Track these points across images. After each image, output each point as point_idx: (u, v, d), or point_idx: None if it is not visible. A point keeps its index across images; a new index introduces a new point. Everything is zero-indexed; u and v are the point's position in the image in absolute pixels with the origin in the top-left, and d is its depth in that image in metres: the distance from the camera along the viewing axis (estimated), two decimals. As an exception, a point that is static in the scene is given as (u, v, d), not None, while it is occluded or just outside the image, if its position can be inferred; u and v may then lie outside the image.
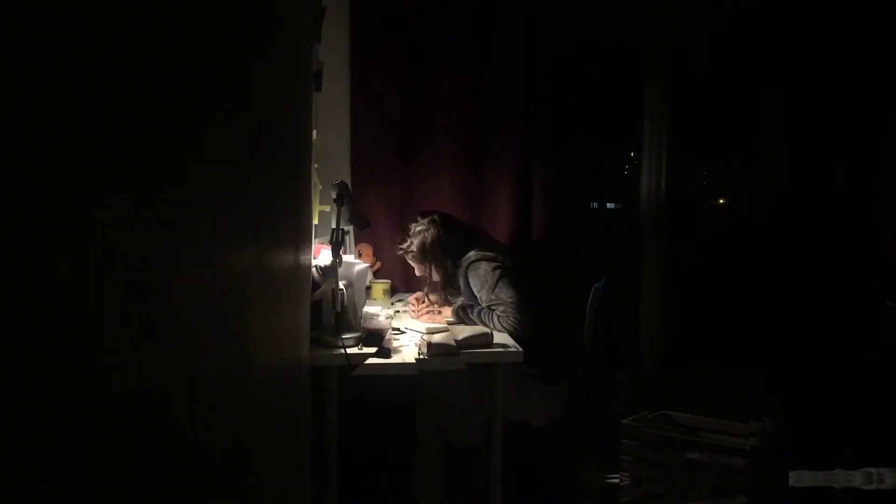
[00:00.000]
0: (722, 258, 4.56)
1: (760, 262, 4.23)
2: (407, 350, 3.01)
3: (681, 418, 2.51)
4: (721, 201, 5.05)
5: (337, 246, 2.88)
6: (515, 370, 3.03)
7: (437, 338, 2.95)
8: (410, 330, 3.29)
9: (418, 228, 3.42)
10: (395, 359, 2.91)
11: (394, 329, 3.17)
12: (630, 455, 2.33)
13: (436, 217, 3.44)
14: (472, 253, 3.34)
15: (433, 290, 3.55)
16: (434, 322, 3.38)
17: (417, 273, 3.56)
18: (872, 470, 2.57)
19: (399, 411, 3.50)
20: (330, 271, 2.88)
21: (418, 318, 3.44)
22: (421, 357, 2.88)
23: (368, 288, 3.46)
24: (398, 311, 3.52)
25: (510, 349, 2.98)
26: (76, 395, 0.56)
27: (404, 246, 3.47)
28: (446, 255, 3.40)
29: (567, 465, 3.40)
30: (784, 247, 4.14)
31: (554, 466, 3.46)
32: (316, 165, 3.17)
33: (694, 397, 3.93)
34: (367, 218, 3.28)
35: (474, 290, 3.29)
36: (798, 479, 2.42)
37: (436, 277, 3.47)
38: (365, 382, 3.04)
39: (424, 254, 3.41)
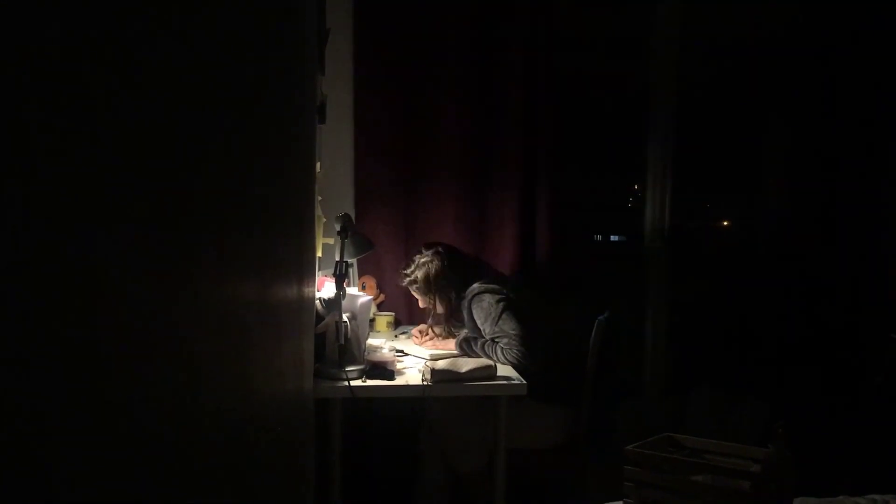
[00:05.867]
0: (725, 284, 4.57)
1: (764, 289, 4.23)
2: (410, 373, 3.02)
3: (685, 440, 2.49)
4: (725, 223, 5.06)
5: (341, 278, 2.88)
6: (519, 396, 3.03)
7: (440, 364, 2.95)
8: (414, 356, 3.30)
9: (422, 260, 3.44)
10: (398, 381, 2.91)
11: (397, 350, 3.17)
12: (633, 481, 2.30)
13: (440, 249, 3.45)
14: (475, 285, 3.35)
15: (437, 323, 3.55)
16: (438, 349, 3.39)
17: (421, 305, 3.57)
18: (877, 496, 2.54)
19: (402, 436, 3.50)
20: (333, 304, 2.88)
21: (421, 345, 3.46)
22: (425, 383, 2.88)
23: (372, 320, 3.46)
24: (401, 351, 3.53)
25: (514, 381, 2.97)
26: (76, 428, 0.56)
27: (409, 275, 3.47)
28: (450, 286, 3.41)
29: (570, 492, 3.38)
30: (787, 274, 4.15)
31: (557, 492, 3.44)
32: (319, 198, 3.19)
33: (697, 420, 3.91)
34: (369, 240, 3.30)
35: (478, 322, 3.29)
36: (802, 506, 2.40)
37: (440, 309, 3.48)
38: (368, 405, 3.04)
39: (429, 285, 3.42)
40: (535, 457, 3.29)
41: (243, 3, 1.15)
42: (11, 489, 0.47)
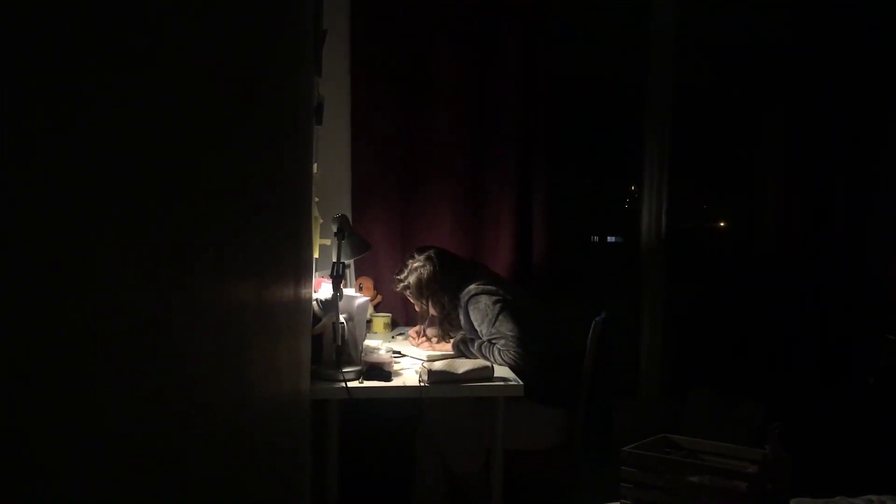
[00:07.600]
0: (722, 285, 4.58)
1: (760, 290, 4.24)
2: (407, 374, 3.01)
3: (681, 441, 2.49)
4: (722, 224, 5.07)
5: (338, 279, 2.88)
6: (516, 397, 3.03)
7: (437, 365, 2.95)
8: (411, 357, 3.29)
9: (415, 265, 3.43)
10: (395, 382, 2.91)
11: (394, 352, 3.18)
12: (630, 482, 2.30)
13: (432, 254, 3.44)
14: (472, 286, 3.34)
15: (431, 325, 3.55)
16: (434, 350, 3.39)
17: (417, 309, 3.57)
18: (874, 497, 2.54)
19: (399, 436, 3.50)
20: (331, 305, 2.88)
21: (418, 346, 3.46)
22: (422, 384, 2.88)
23: (369, 321, 3.46)
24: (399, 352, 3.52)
25: (511, 382, 2.97)
26: (71, 431, 0.56)
27: (402, 280, 3.47)
28: (443, 291, 3.40)
29: (567, 493, 3.38)
30: (783, 275, 4.15)
31: (553, 493, 3.44)
32: (316, 199, 3.18)
33: (694, 421, 3.91)
34: (367, 241, 3.30)
35: (475, 323, 3.29)
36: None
37: (433, 313, 3.48)
38: (365, 407, 3.03)
39: (421, 290, 3.41)
40: (532, 458, 3.29)
41: (241, 3, 1.14)
42: (4, 491, 0.46)
